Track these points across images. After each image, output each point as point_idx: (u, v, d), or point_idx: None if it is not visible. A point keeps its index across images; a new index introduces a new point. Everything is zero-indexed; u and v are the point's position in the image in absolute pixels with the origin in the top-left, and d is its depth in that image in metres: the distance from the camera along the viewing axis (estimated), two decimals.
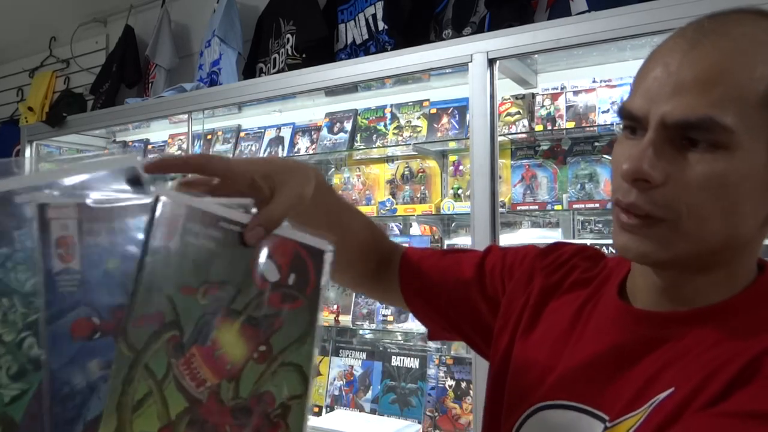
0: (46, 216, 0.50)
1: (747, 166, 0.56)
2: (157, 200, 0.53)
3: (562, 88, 1.95)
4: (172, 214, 0.54)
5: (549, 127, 1.95)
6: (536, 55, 1.84)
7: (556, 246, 0.84)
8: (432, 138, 2.16)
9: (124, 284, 0.52)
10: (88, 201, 0.52)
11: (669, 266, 0.63)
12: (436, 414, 2.02)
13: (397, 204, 2.22)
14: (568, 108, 1.93)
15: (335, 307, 2.27)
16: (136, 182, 0.54)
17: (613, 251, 0.69)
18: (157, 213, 0.53)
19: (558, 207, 1.93)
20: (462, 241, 2.12)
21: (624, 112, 0.62)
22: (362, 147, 2.32)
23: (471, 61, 1.78)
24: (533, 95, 2.00)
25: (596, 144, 1.93)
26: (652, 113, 0.58)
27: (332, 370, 2.29)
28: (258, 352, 0.54)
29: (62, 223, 0.51)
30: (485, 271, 0.85)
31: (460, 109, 2.12)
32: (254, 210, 0.57)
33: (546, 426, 0.67)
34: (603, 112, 1.88)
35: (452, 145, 2.18)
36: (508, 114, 2.00)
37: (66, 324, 0.50)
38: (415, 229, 2.33)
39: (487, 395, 0.79)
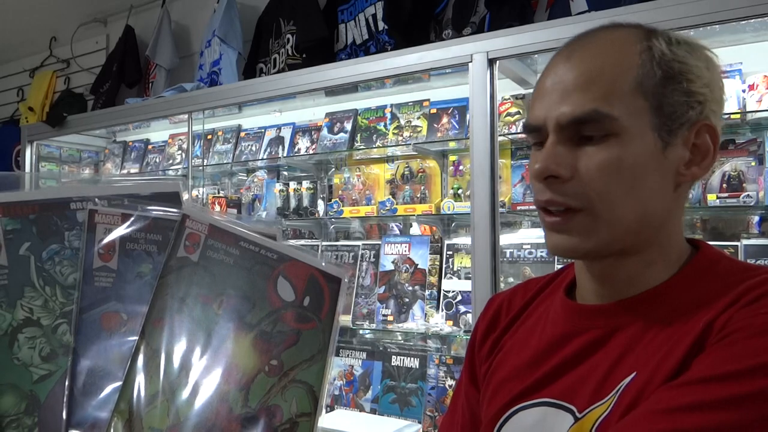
0: (94, 220, 0.58)
1: (637, 147, 0.64)
2: (184, 217, 0.60)
3: None
4: (197, 230, 0.60)
5: None
6: (536, 55, 1.84)
7: (494, 298, 0.88)
8: (432, 138, 2.16)
9: (153, 287, 0.58)
10: (132, 212, 0.59)
11: (597, 256, 0.68)
12: (436, 414, 2.02)
13: (397, 204, 2.23)
14: None
15: None
16: (175, 203, 0.62)
17: None
18: (184, 228, 0.59)
19: None
20: (462, 240, 2.13)
21: (526, 127, 0.70)
22: (362, 147, 2.32)
23: (471, 61, 1.78)
24: None
25: None
26: (548, 119, 0.67)
27: (332, 370, 2.29)
28: (269, 366, 0.57)
29: (107, 228, 0.59)
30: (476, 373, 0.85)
31: (460, 109, 2.12)
32: (280, 237, 0.62)
33: (521, 424, 0.71)
34: None
35: (452, 145, 2.18)
36: (508, 114, 2.00)
37: (97, 314, 0.56)
38: (415, 229, 2.34)
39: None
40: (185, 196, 0.63)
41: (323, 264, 0.61)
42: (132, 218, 0.59)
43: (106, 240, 0.58)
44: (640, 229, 0.66)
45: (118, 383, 0.54)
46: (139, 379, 0.54)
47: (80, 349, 0.55)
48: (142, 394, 0.54)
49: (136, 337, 0.56)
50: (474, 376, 0.85)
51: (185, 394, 0.54)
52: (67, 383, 0.54)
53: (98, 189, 0.60)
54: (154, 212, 0.60)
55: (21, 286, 0.55)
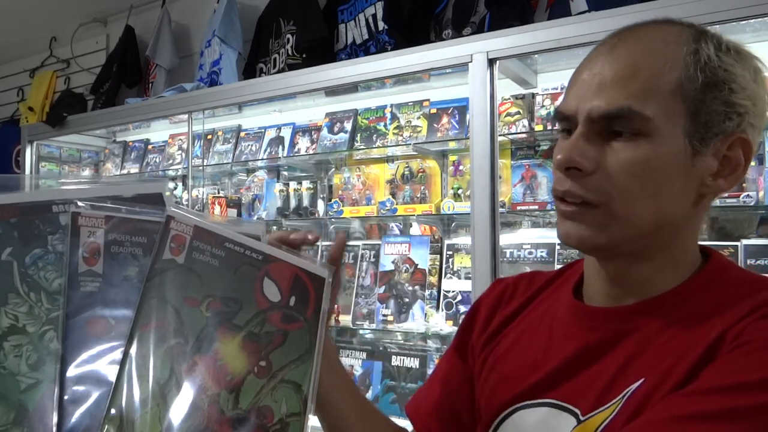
0: (77, 223, 0.57)
1: (667, 151, 0.62)
2: (168, 219, 0.59)
3: (562, 88, 1.95)
4: (182, 231, 0.59)
5: (549, 127, 1.94)
6: (536, 55, 1.84)
7: (499, 281, 0.89)
8: (432, 138, 2.16)
9: (140, 290, 0.56)
10: (116, 214, 0.58)
11: (607, 251, 0.67)
12: None
13: (397, 204, 2.22)
14: None
15: (335, 307, 2.27)
16: (159, 204, 0.61)
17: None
18: (169, 230, 0.58)
19: None
20: (462, 240, 2.12)
21: (558, 114, 0.68)
22: (362, 147, 2.32)
23: (471, 61, 1.77)
24: (533, 95, 2.00)
25: None
26: (580, 110, 0.65)
27: None
28: (258, 367, 0.57)
29: (91, 231, 0.57)
30: (468, 349, 0.85)
31: (460, 109, 2.12)
32: (265, 238, 0.62)
33: (521, 424, 0.71)
34: None
35: (452, 145, 2.18)
36: (508, 114, 2.00)
37: (84, 320, 0.55)
38: (415, 229, 2.33)
39: None
40: (185, 197, 0.62)
41: (307, 264, 0.61)
42: (116, 220, 0.58)
43: (90, 243, 0.56)
44: (654, 232, 0.65)
45: (108, 389, 0.53)
46: (129, 385, 0.53)
47: (68, 355, 0.53)
48: (133, 399, 0.53)
49: (124, 342, 0.55)
50: (464, 352, 0.84)
51: (176, 397, 0.54)
52: (56, 391, 0.52)
53: (80, 191, 0.58)
54: (139, 214, 0.58)
55: (4, 293, 0.53)
